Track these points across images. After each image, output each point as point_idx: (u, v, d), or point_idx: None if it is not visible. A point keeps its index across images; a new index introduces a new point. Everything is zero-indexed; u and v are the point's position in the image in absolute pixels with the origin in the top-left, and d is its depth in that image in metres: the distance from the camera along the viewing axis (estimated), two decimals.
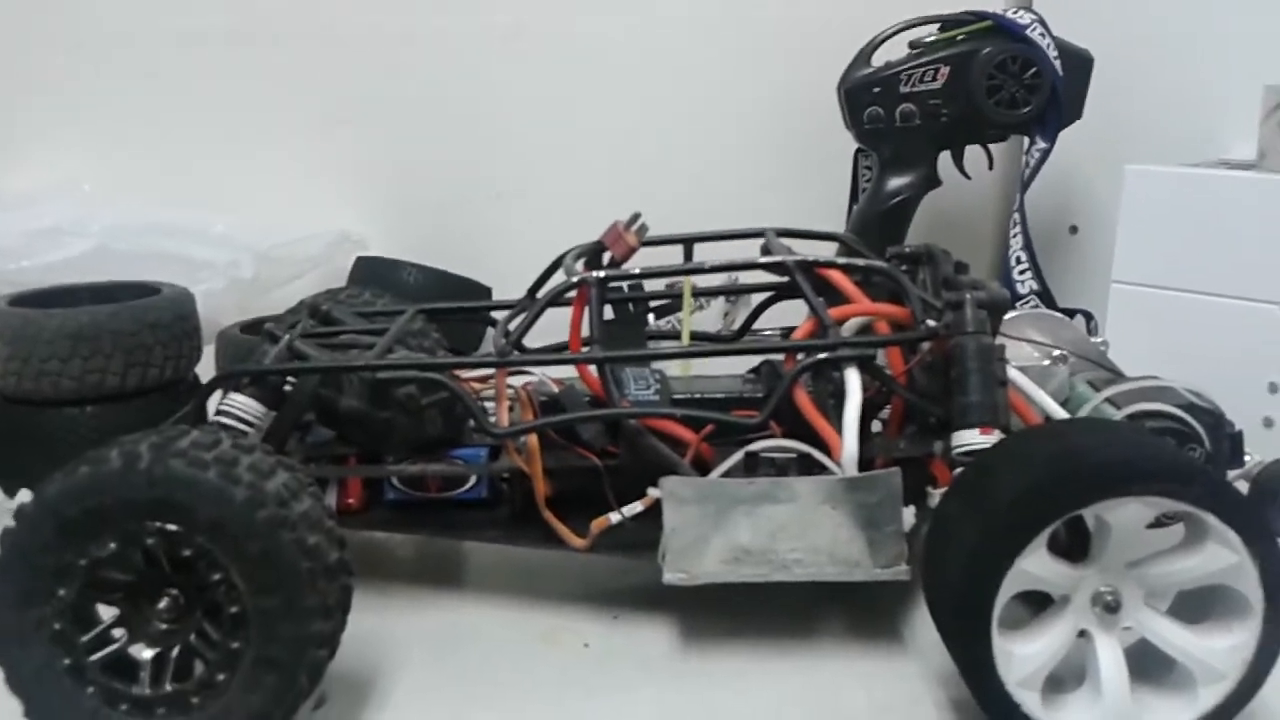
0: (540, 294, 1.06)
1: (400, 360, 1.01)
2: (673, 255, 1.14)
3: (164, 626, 0.82)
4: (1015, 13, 1.53)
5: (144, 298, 1.21)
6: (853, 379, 0.97)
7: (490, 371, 1.05)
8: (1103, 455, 0.81)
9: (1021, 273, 1.57)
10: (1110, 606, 0.81)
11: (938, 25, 1.56)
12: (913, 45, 1.57)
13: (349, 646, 0.86)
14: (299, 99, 1.89)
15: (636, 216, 1.03)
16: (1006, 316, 1.10)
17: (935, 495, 0.93)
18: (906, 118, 1.56)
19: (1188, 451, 0.98)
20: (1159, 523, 0.83)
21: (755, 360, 1.15)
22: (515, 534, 1.05)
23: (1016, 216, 1.59)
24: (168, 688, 0.81)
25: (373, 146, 1.93)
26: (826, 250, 1.16)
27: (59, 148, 1.82)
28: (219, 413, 0.98)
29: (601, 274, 1.01)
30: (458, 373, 1.04)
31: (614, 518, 0.99)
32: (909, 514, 0.94)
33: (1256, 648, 0.79)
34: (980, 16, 1.54)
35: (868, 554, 0.93)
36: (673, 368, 1.19)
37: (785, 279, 1.08)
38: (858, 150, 1.67)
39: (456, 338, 1.30)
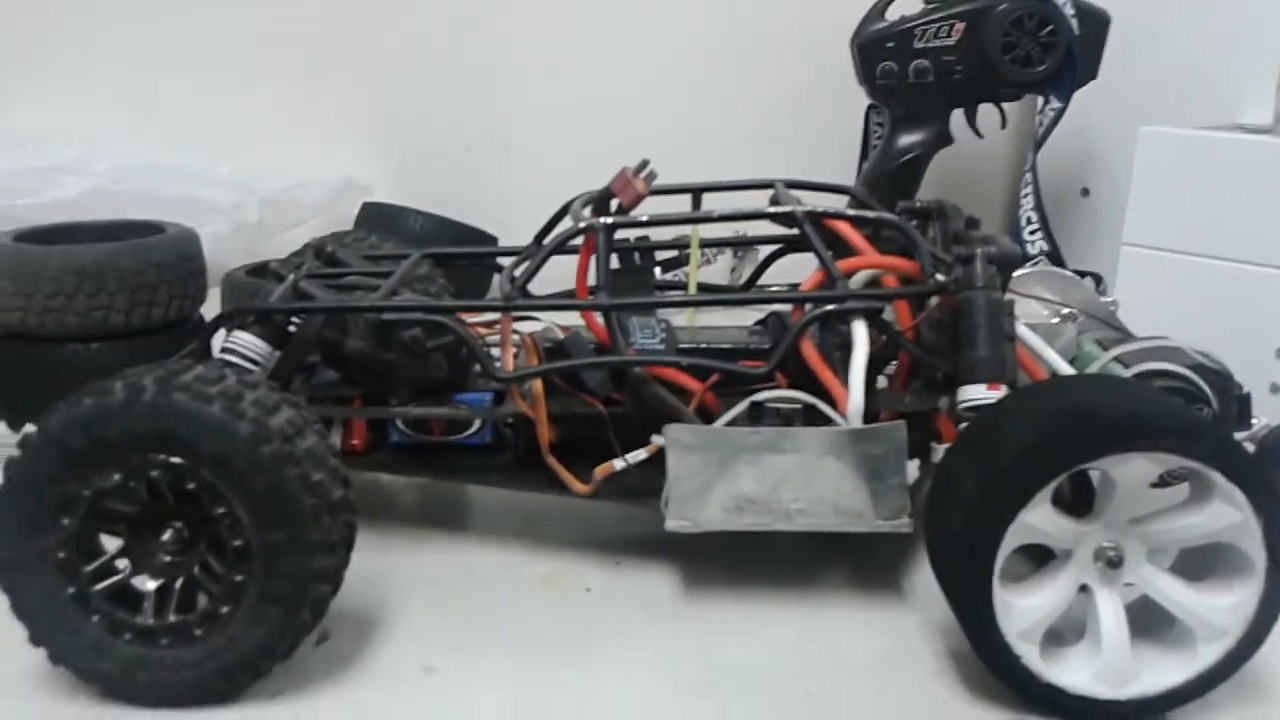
0: (547, 240, 1.05)
1: (406, 302, 1.01)
2: (681, 205, 1.14)
3: (168, 558, 0.83)
4: None
5: (149, 237, 1.20)
6: (860, 332, 0.96)
7: (496, 316, 1.05)
8: (1110, 410, 0.81)
9: (1032, 233, 1.57)
10: (1113, 562, 0.82)
11: None
12: (927, 0, 1.55)
13: (352, 585, 0.86)
14: (309, 46, 1.87)
15: (645, 164, 1.02)
16: (1016, 274, 1.10)
17: (940, 450, 0.93)
18: (920, 74, 1.54)
19: (1195, 411, 0.98)
20: (1164, 481, 0.84)
21: (762, 313, 1.14)
22: (519, 479, 1.05)
23: (1028, 176, 1.58)
24: (171, 618, 0.81)
25: (381, 95, 1.92)
26: (836, 204, 1.15)
27: (64, 89, 1.81)
28: (224, 350, 0.98)
29: (609, 220, 1.00)
30: (464, 317, 1.04)
31: (618, 464, 0.99)
32: (913, 467, 0.93)
33: (1258, 605, 0.79)
34: None
35: (870, 506, 0.93)
36: (679, 318, 1.18)
37: (793, 231, 1.07)
38: (869, 106, 1.66)
39: (464, 287, 1.29)
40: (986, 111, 1.62)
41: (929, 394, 1.01)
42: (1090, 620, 0.82)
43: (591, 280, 1.01)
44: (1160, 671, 0.81)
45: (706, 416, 0.99)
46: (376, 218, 1.68)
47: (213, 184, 1.66)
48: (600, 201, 1.04)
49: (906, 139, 1.58)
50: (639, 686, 0.87)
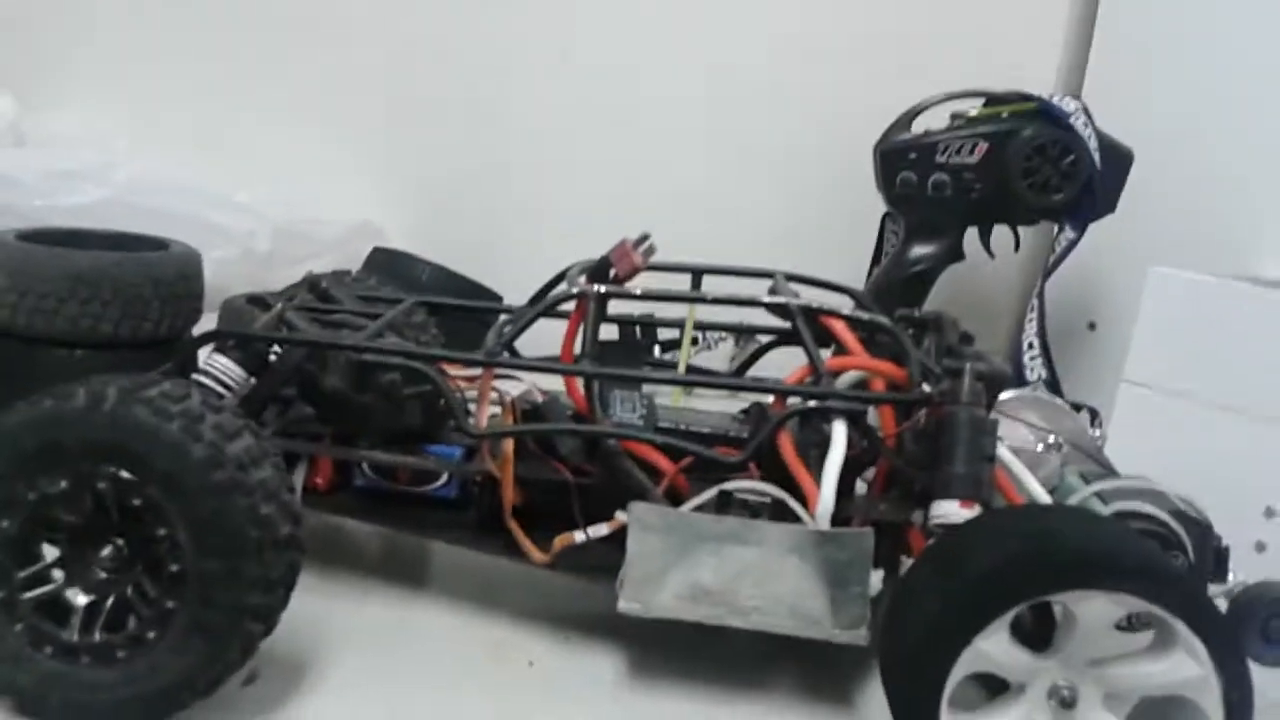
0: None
1: (386, 345, 1.00)
2: (682, 283, 1.13)
3: (103, 575, 0.81)
4: (1061, 99, 1.52)
5: (153, 252, 1.21)
6: (839, 432, 0.95)
7: (479, 371, 1.04)
8: (1080, 544, 0.79)
9: (1032, 359, 1.56)
10: (1066, 702, 0.79)
11: (983, 100, 1.56)
12: (954, 117, 1.56)
13: (289, 626, 0.84)
14: (343, 86, 1.90)
15: (645, 237, 1.02)
16: (1008, 395, 1.08)
17: (907, 564, 0.91)
18: (939, 187, 1.55)
19: (1169, 557, 0.95)
20: (1131, 626, 0.81)
21: (748, 400, 1.13)
22: (478, 540, 1.03)
23: (1035, 302, 1.57)
24: (96, 637, 0.79)
25: (407, 145, 1.94)
26: (836, 303, 1.14)
27: (99, 98, 1.84)
28: (199, 371, 0.97)
29: (601, 289, 1.00)
30: (448, 370, 1.03)
31: (579, 537, 0.97)
32: (877, 578, 0.91)
33: None
34: (1027, 98, 1.53)
35: (829, 612, 0.91)
36: (667, 398, 1.17)
37: (788, 324, 1.06)
38: (885, 215, 1.66)
39: (463, 344, 1.29)
40: (1001, 233, 1.62)
41: (904, 505, 0.99)
42: None
43: (578, 348, 1.00)
44: None
45: (675, 499, 0.97)
46: (384, 263, 1.69)
47: (229, 209, 1.67)
48: (597, 270, 1.04)
49: (918, 250, 1.59)
50: None
